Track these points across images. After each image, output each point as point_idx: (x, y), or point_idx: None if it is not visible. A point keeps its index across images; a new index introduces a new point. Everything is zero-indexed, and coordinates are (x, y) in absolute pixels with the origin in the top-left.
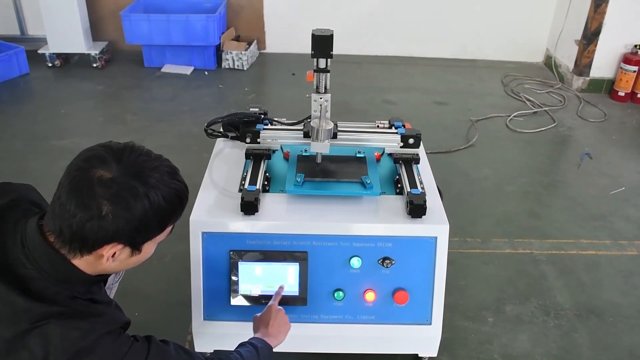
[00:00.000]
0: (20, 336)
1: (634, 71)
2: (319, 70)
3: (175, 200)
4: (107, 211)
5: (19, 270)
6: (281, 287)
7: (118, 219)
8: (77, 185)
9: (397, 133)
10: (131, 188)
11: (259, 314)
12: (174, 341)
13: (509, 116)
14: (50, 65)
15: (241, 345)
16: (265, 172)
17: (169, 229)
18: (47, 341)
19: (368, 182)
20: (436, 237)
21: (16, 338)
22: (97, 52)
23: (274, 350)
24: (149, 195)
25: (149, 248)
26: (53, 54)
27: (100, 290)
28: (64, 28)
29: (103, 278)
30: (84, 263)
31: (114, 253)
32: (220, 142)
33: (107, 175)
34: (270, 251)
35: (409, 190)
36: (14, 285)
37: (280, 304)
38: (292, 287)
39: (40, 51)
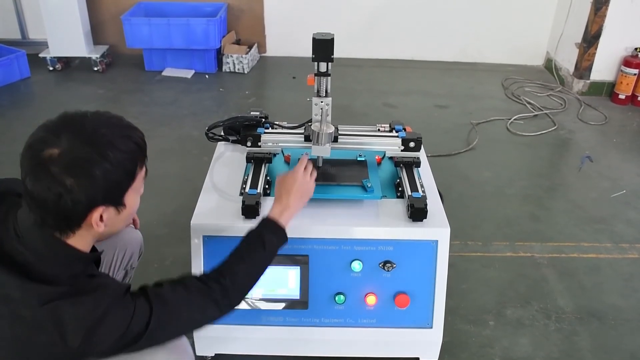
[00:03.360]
0: (34, 319)
1: (635, 74)
2: (319, 74)
3: (133, 148)
4: (71, 184)
5: (17, 258)
6: (306, 154)
7: (84, 187)
8: (34, 173)
9: (397, 136)
10: (84, 154)
11: (283, 175)
12: (166, 280)
13: (510, 119)
14: (51, 69)
15: (246, 240)
16: (266, 176)
17: (141, 174)
18: (60, 322)
19: (369, 185)
20: (437, 241)
21: (31, 321)
22: (98, 55)
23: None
24: (104, 154)
25: (131, 200)
26: (54, 57)
27: (95, 268)
28: (64, 32)
29: (96, 256)
30: (79, 239)
31: (101, 216)
32: (221, 146)
33: (55, 152)
34: None
35: (409, 193)
36: (16, 271)
37: (280, 307)
38: (293, 291)
39: (41, 55)
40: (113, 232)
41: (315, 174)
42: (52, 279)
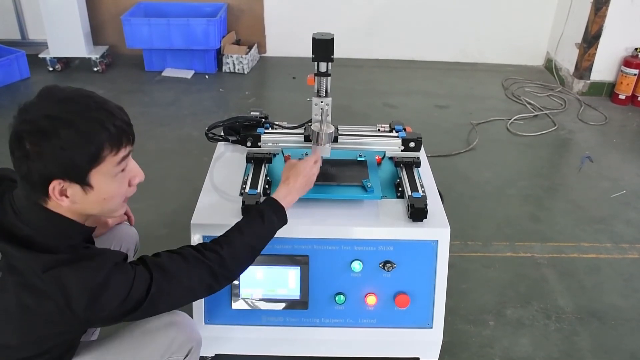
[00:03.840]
0: (39, 287)
1: (635, 74)
2: (319, 74)
3: (95, 130)
4: (29, 150)
5: (18, 233)
6: (318, 151)
7: (39, 155)
8: (11, 138)
9: (398, 137)
10: (42, 126)
11: (294, 160)
12: (165, 252)
13: (510, 119)
14: (51, 69)
15: (247, 212)
16: (266, 176)
17: (111, 158)
18: (64, 287)
19: (369, 185)
20: (437, 241)
21: (36, 289)
22: (98, 56)
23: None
24: (57, 130)
25: (101, 182)
26: (54, 58)
27: (93, 244)
28: (64, 32)
29: (91, 231)
30: (61, 211)
31: (62, 189)
32: (221, 146)
33: (27, 118)
34: (271, 255)
35: (409, 193)
36: (18, 243)
37: (280, 307)
38: (293, 291)
39: (41, 55)
40: (90, 214)
41: (320, 162)
42: (53, 249)
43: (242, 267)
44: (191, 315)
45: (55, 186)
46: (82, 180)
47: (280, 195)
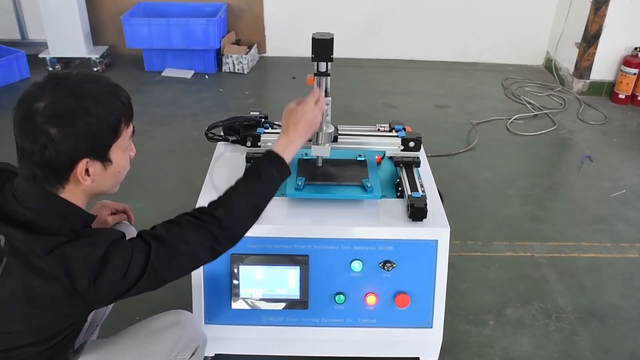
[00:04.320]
0: (44, 268)
1: (634, 74)
2: (319, 74)
3: (114, 101)
4: (54, 134)
5: (20, 218)
6: (317, 89)
7: (68, 137)
8: (22, 126)
9: (397, 136)
10: (67, 106)
11: (292, 105)
12: (161, 223)
13: (510, 119)
14: (50, 69)
15: (246, 173)
16: None
17: (126, 131)
18: (67, 265)
19: (369, 185)
20: (437, 241)
21: (41, 271)
22: (98, 56)
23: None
24: (85, 107)
25: (117, 156)
26: (54, 58)
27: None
28: (64, 32)
29: (92, 217)
30: (70, 195)
31: (86, 170)
32: (220, 146)
33: (41, 105)
34: (271, 255)
35: (409, 193)
36: (20, 227)
37: (280, 307)
38: (293, 291)
39: (41, 55)
40: (102, 191)
41: (323, 106)
42: (55, 232)
43: (243, 226)
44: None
45: (82, 166)
46: (104, 156)
47: (280, 146)
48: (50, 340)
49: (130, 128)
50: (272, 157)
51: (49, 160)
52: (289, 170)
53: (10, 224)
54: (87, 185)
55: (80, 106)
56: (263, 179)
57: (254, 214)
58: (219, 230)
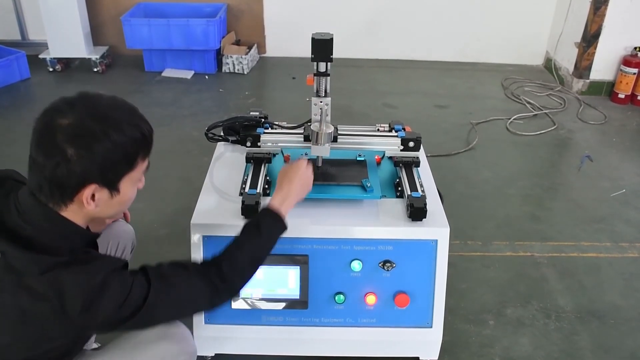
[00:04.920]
0: (35, 288)
1: (634, 73)
2: (319, 74)
3: (138, 136)
4: (71, 154)
5: (19, 233)
6: (305, 154)
7: (83, 159)
8: (40, 138)
9: (397, 136)
10: (89, 129)
11: (285, 166)
12: (166, 262)
13: (509, 119)
14: (51, 70)
15: (245, 228)
16: (266, 176)
17: (141, 165)
18: (60, 289)
19: (368, 185)
20: (437, 240)
21: (32, 291)
22: (98, 56)
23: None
24: (108, 133)
25: (126, 188)
26: (54, 58)
27: (96, 250)
28: (64, 33)
29: (95, 237)
30: (71, 214)
31: (93, 195)
32: (220, 146)
33: (65, 122)
34: (271, 255)
35: (409, 193)
36: (18, 243)
37: (280, 307)
38: (293, 291)
39: (41, 56)
40: (102, 217)
41: (312, 173)
42: (53, 251)
43: (244, 279)
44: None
45: (89, 190)
46: (114, 185)
47: (276, 203)
48: (42, 356)
49: (146, 162)
50: (269, 214)
51: (59, 178)
52: (286, 224)
53: (9, 238)
54: (89, 209)
55: (102, 131)
56: (263, 235)
57: (253, 268)
58: (222, 283)
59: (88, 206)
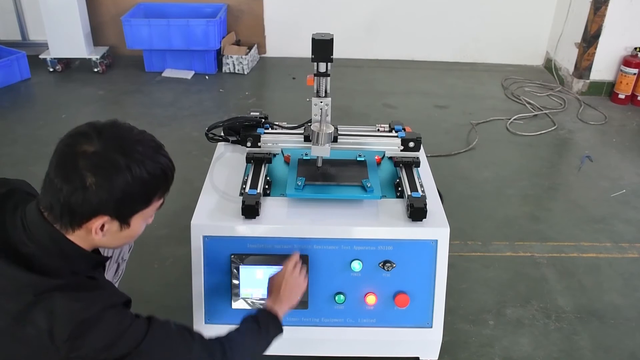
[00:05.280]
0: (26, 309)
1: (634, 74)
2: (319, 74)
3: (158, 173)
4: (90, 182)
5: (21, 249)
6: (296, 253)
7: (101, 190)
8: (62, 160)
9: (397, 136)
10: (113, 160)
11: (274, 275)
12: (176, 321)
13: (509, 119)
14: (51, 70)
15: (244, 320)
16: (266, 176)
17: (156, 203)
18: (51, 313)
19: (369, 185)
20: (437, 240)
21: (22, 312)
22: (98, 57)
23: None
24: (130, 167)
25: (137, 223)
26: (54, 59)
27: (100, 274)
28: (65, 33)
29: (102, 260)
30: (77, 238)
31: (102, 226)
32: (221, 146)
33: (90, 149)
34: (271, 255)
35: (409, 193)
36: (17, 262)
37: None
38: None
39: (41, 56)
40: (107, 247)
41: (304, 271)
42: (54, 272)
43: None
44: (191, 316)
45: (100, 221)
46: (126, 220)
47: (268, 305)
48: None
49: (161, 201)
50: (265, 313)
51: (72, 205)
52: (282, 326)
53: (9, 256)
54: (96, 238)
55: (126, 165)
56: (262, 329)
57: (250, 358)
58: (222, 358)
59: (95, 235)
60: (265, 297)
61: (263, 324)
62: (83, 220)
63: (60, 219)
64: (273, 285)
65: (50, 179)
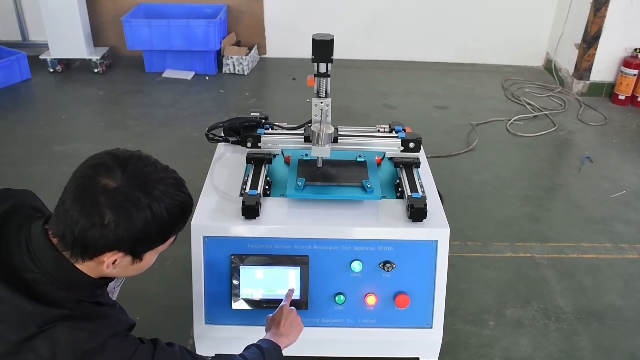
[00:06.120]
0: (28, 340)
1: (634, 75)
2: (319, 75)
3: (178, 213)
4: (109, 220)
5: (25, 275)
6: (291, 290)
7: (119, 228)
8: (81, 193)
9: (397, 137)
10: (134, 199)
11: (271, 315)
12: (180, 344)
13: (510, 120)
14: (51, 70)
15: (247, 348)
16: (266, 177)
17: (171, 239)
18: (54, 344)
19: (369, 186)
20: (437, 241)
21: (23, 342)
22: (98, 57)
23: (286, 351)
24: (151, 206)
25: (150, 257)
26: (54, 59)
27: (103, 293)
28: (65, 34)
29: (106, 282)
30: (85, 267)
31: (115, 260)
32: (221, 147)
33: (111, 185)
34: (271, 255)
35: (409, 194)
36: (20, 289)
37: None
38: None
39: (41, 57)
40: (115, 277)
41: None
42: (58, 301)
43: None
44: (191, 316)
45: (114, 257)
46: (139, 255)
47: (269, 337)
48: None
49: (175, 237)
50: (268, 341)
51: (88, 239)
52: (282, 356)
53: (11, 283)
54: (106, 270)
55: (147, 205)
56: (265, 356)
57: None
58: None
59: (106, 269)
60: (265, 297)
61: (267, 352)
62: (96, 254)
63: (71, 249)
64: (272, 322)
65: (66, 208)
